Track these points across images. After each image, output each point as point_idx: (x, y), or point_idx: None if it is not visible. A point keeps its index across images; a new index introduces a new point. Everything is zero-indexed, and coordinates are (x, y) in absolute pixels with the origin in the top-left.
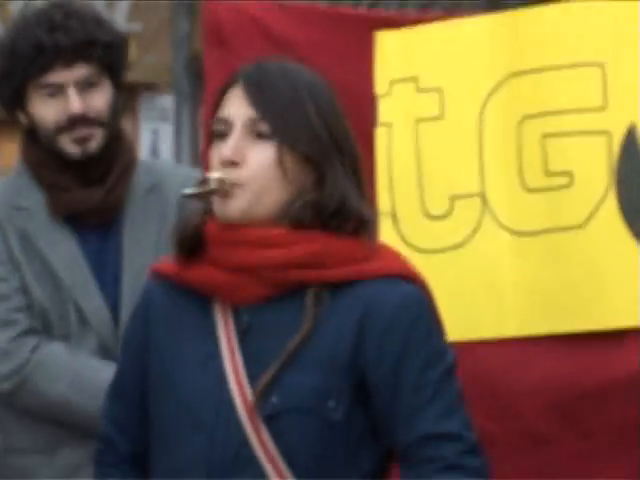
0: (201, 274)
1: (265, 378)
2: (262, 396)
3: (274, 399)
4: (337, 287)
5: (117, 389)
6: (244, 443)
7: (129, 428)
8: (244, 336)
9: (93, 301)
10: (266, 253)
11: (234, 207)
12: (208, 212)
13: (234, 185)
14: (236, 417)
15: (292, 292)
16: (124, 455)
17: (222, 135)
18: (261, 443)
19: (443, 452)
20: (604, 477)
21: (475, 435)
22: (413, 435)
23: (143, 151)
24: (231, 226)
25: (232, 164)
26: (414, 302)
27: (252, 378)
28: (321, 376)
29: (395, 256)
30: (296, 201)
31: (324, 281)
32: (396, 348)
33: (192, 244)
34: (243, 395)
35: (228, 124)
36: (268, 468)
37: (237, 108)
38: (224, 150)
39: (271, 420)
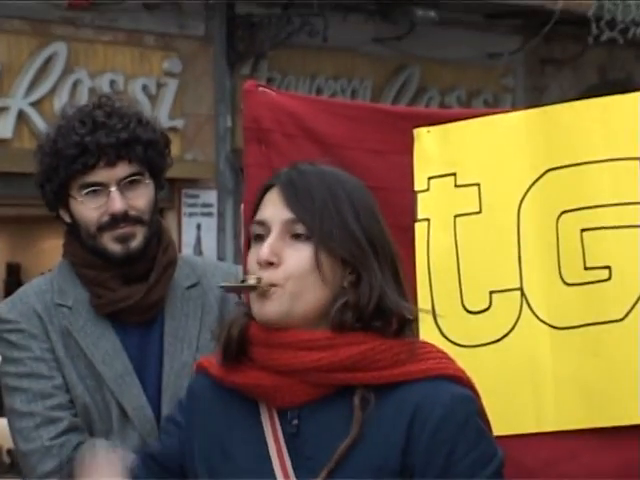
0: (246, 377)
1: None
2: None
3: None
4: (384, 387)
5: (147, 466)
6: None
7: None
8: (292, 439)
9: (134, 398)
10: (311, 356)
11: (272, 308)
12: (249, 314)
13: (271, 286)
14: None
15: (338, 393)
16: None
17: (260, 237)
18: None
19: None
20: None
21: None
22: None
23: (186, 246)
24: (274, 328)
25: (269, 265)
26: (462, 404)
27: None
28: None
29: (441, 356)
30: (335, 303)
31: (370, 383)
32: (444, 452)
33: (238, 347)
34: None
35: (266, 226)
36: None
37: (274, 210)
38: (261, 251)
39: None
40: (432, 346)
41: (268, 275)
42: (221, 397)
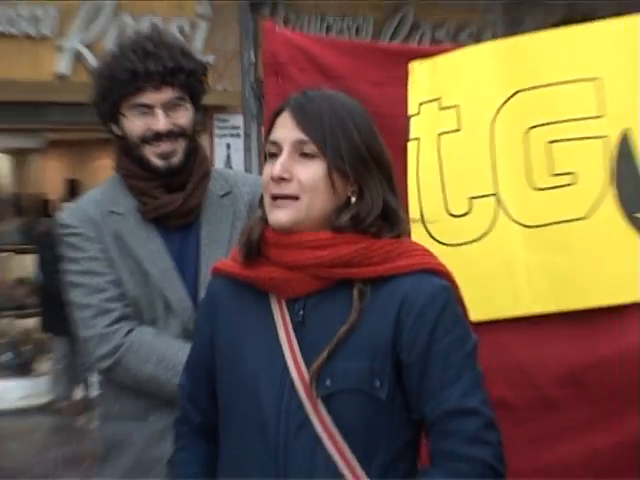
0: (260, 272)
1: (317, 363)
2: (317, 379)
3: (327, 382)
4: (377, 281)
5: (190, 369)
6: (305, 419)
7: (200, 403)
8: (299, 327)
9: (176, 291)
10: (316, 253)
11: (287, 217)
12: (265, 219)
13: (288, 198)
14: (297, 397)
15: (339, 287)
16: (196, 425)
17: (273, 155)
18: (319, 419)
19: (465, 426)
20: (608, 433)
21: (493, 412)
22: (439, 410)
23: (218, 162)
24: (285, 231)
25: (282, 180)
26: (442, 293)
27: (308, 364)
28: (367, 361)
29: (425, 253)
30: (342, 213)
31: (366, 277)
32: (426, 333)
33: (258, 247)
34: (302, 379)
35: (278, 146)
36: (325, 438)
37: (285, 131)
38: (274, 169)
39: (327, 400)
40: (418, 245)
41: (282, 189)
42: (237, 292)
